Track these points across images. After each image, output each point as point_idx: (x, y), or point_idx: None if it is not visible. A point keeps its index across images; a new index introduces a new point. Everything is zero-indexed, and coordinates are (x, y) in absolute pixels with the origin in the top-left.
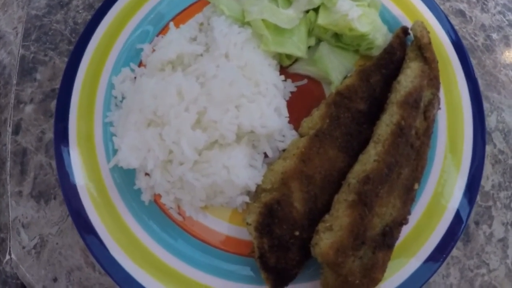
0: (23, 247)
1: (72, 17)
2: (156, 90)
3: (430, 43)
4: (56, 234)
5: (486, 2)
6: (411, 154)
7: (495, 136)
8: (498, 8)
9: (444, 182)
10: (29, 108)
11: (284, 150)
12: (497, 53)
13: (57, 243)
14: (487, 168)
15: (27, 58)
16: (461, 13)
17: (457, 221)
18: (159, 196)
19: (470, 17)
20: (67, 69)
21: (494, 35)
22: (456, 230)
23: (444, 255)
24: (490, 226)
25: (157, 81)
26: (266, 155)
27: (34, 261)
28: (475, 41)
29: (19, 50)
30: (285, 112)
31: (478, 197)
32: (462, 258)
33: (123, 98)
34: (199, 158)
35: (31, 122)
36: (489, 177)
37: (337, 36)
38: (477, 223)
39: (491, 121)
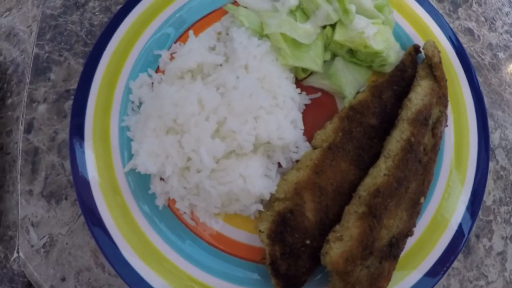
0: (32, 246)
1: (88, 19)
2: (177, 98)
3: (440, 62)
4: (66, 234)
5: (494, 22)
6: (419, 169)
7: (498, 153)
8: (506, 27)
9: (448, 197)
10: (42, 108)
11: (297, 161)
12: (503, 72)
13: (66, 243)
14: (489, 184)
15: (41, 57)
16: (470, 31)
17: (459, 234)
18: (173, 200)
19: (478, 36)
20: (85, 70)
21: (501, 54)
22: (457, 244)
23: (446, 268)
24: (490, 239)
25: (177, 89)
26: (279, 165)
27: (42, 260)
28: (482, 59)
29: (33, 49)
30: (300, 125)
31: (480, 211)
32: (462, 269)
33: (140, 103)
34: (217, 167)
35: (44, 121)
36: (491, 192)
37: (351, 52)
38: (477, 236)
39: (494, 138)
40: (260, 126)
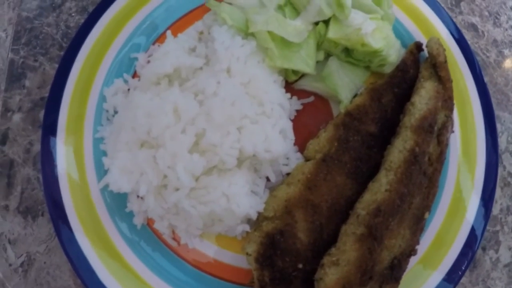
0: (10, 265)
1: (64, 20)
2: (150, 108)
3: (446, 61)
4: (44, 253)
5: (498, 16)
6: (424, 182)
7: (505, 157)
8: (511, 22)
9: (456, 209)
10: (17, 117)
11: (288, 175)
12: (509, 70)
13: (44, 262)
14: (496, 192)
15: (16, 63)
16: (474, 27)
17: (467, 250)
18: (152, 219)
19: (483, 32)
20: (57, 76)
21: (506, 51)
22: (465, 259)
23: (452, 285)
24: (496, 251)
25: (152, 97)
26: (268, 179)
27: (21, 280)
28: (487, 57)
29: (8, 54)
30: (291, 135)
31: None
32: (467, 284)
33: (115, 112)
34: (197, 184)
35: (19, 132)
36: (498, 201)
37: (347, 51)
38: (484, 249)
39: (501, 142)
40: (245, 138)
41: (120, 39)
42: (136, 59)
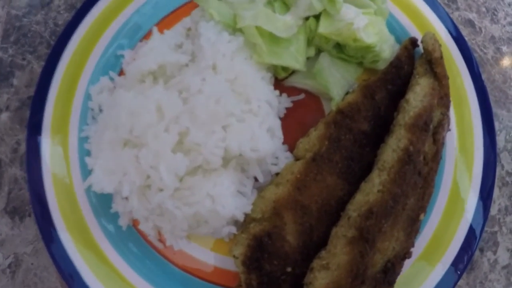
0: None
1: (53, 18)
2: (134, 106)
3: (441, 57)
4: (31, 254)
5: (496, 13)
6: (419, 182)
7: (503, 156)
8: (508, 19)
9: (453, 210)
10: (4, 116)
11: (277, 174)
12: (507, 67)
13: (32, 264)
14: (494, 191)
15: (5, 61)
16: (471, 23)
17: (464, 251)
18: (138, 220)
19: (480, 28)
20: (42, 75)
21: (504, 48)
22: (462, 261)
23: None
24: (494, 252)
25: (135, 95)
26: (256, 179)
27: (8, 281)
28: (485, 53)
29: None
30: (279, 134)
31: None
32: (465, 286)
33: (101, 110)
34: (181, 185)
35: (6, 131)
36: (496, 201)
37: (339, 47)
38: (481, 250)
39: (499, 140)
40: (230, 137)
41: (106, 36)
42: (122, 56)
